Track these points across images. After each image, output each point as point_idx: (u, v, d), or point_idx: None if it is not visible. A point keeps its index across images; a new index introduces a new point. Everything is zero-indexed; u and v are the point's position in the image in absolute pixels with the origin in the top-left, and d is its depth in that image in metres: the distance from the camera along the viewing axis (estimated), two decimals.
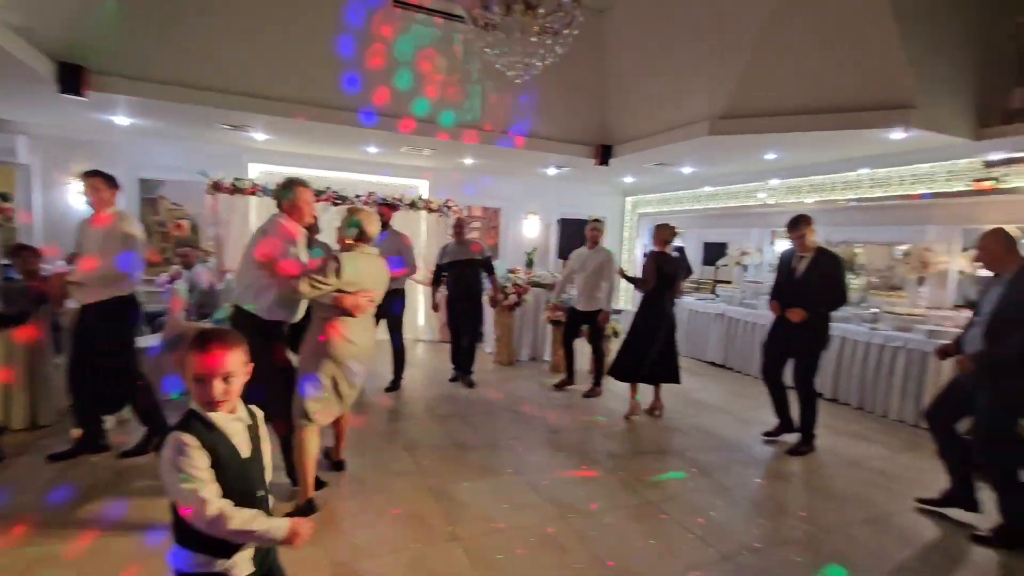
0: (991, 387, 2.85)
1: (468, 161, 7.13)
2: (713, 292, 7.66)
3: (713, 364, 6.95)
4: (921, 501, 3.26)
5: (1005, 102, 4.73)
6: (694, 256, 8.21)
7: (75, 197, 6.22)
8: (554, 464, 3.65)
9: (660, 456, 3.93)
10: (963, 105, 4.62)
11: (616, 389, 5.34)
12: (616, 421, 4.63)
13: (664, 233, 4.71)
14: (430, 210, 7.27)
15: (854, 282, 6.11)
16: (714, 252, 8.05)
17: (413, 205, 7.14)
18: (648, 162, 6.70)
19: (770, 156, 5.91)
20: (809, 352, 4.01)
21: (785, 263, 4.21)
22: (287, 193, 2.83)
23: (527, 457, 3.77)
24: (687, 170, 7.13)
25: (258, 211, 6.46)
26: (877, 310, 5.52)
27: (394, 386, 5.13)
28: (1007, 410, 2.85)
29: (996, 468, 2.88)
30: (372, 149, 6.60)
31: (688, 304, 7.32)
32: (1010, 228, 2.99)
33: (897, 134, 4.55)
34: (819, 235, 6.46)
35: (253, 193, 6.36)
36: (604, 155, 6.53)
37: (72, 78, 4.39)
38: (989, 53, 4.66)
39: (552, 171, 7.64)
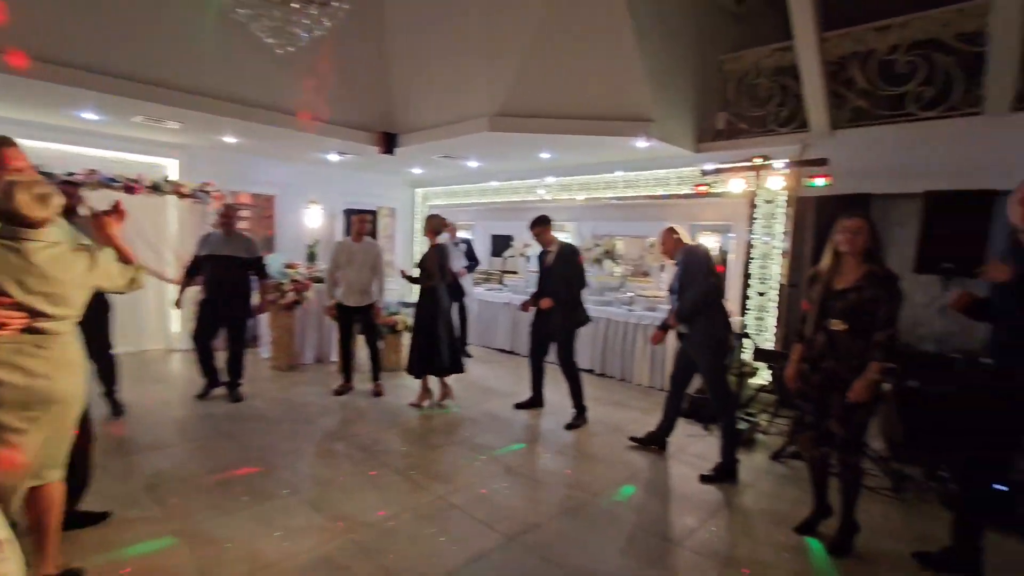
0: (687, 340, 3.69)
1: (229, 139, 6.18)
2: (501, 282, 8.06)
3: (503, 351, 7.31)
4: (632, 439, 4.09)
5: (714, 123, 5.89)
6: (483, 248, 8.53)
7: None
8: (339, 475, 3.36)
9: (451, 447, 3.92)
10: (687, 123, 5.60)
11: (408, 384, 5.21)
12: (405, 419, 4.50)
13: (433, 223, 4.73)
14: (181, 195, 6.12)
15: (615, 270, 7.02)
16: (501, 244, 8.46)
17: (156, 188, 5.91)
18: (434, 154, 6.68)
19: (545, 155, 6.39)
20: (563, 333, 4.50)
21: (540, 259, 4.70)
22: None
23: (307, 472, 3.39)
24: (473, 164, 7.31)
25: None
26: (632, 294, 6.43)
27: (116, 410, 4.11)
28: (715, 359, 3.61)
29: (724, 415, 3.59)
30: (90, 116, 5.22)
31: (478, 295, 7.56)
32: (679, 226, 3.93)
33: (641, 143, 5.29)
34: (587, 228, 7.33)
35: None
36: (389, 143, 6.28)
37: None
38: (704, 82, 5.74)
39: (334, 157, 7.10)
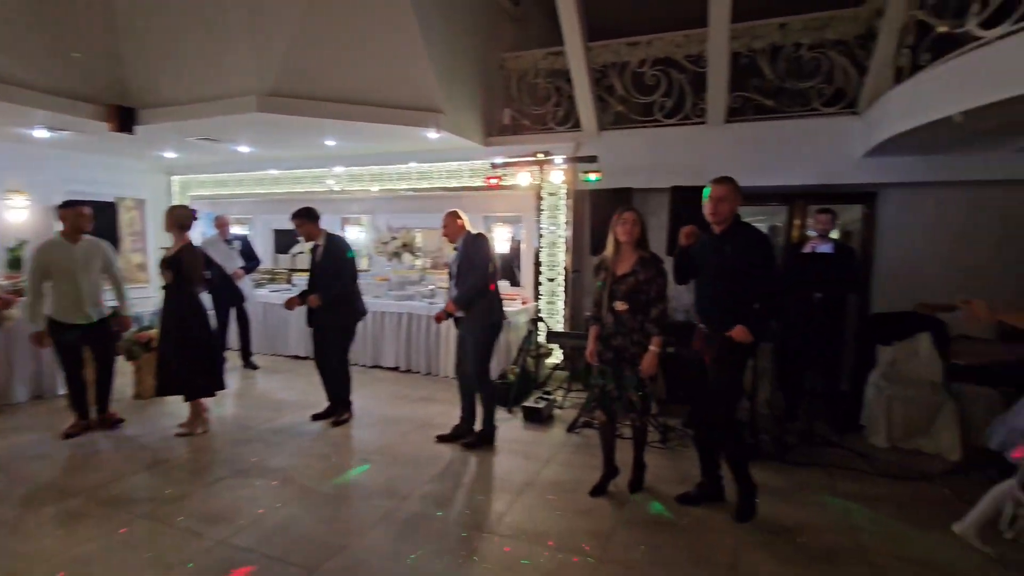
0: (463, 324, 3.87)
1: None
2: (289, 282, 7.26)
3: (296, 357, 6.61)
4: (438, 438, 4.04)
5: (501, 118, 6.13)
6: (264, 245, 7.59)
7: None
8: (71, 546, 2.58)
9: (231, 479, 3.34)
10: (476, 117, 5.72)
11: (175, 411, 4.34)
12: (167, 454, 3.72)
13: (176, 216, 4.00)
14: None
15: (416, 263, 6.86)
16: (285, 240, 7.63)
17: None
18: (190, 135, 5.65)
19: (330, 143, 5.90)
20: (337, 330, 4.30)
21: (311, 254, 4.39)
22: None
23: (19, 548, 2.54)
24: (244, 149, 6.41)
25: None
26: (433, 287, 6.37)
27: None
28: (485, 339, 3.84)
29: (483, 388, 3.91)
30: None
31: (262, 297, 6.70)
32: (464, 213, 4.02)
33: (432, 134, 5.22)
34: (382, 221, 7.03)
35: None
36: (124, 120, 5.08)
37: None
38: (489, 77, 5.91)
39: (43, 133, 5.49)
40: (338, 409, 4.42)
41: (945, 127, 3.24)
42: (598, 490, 3.21)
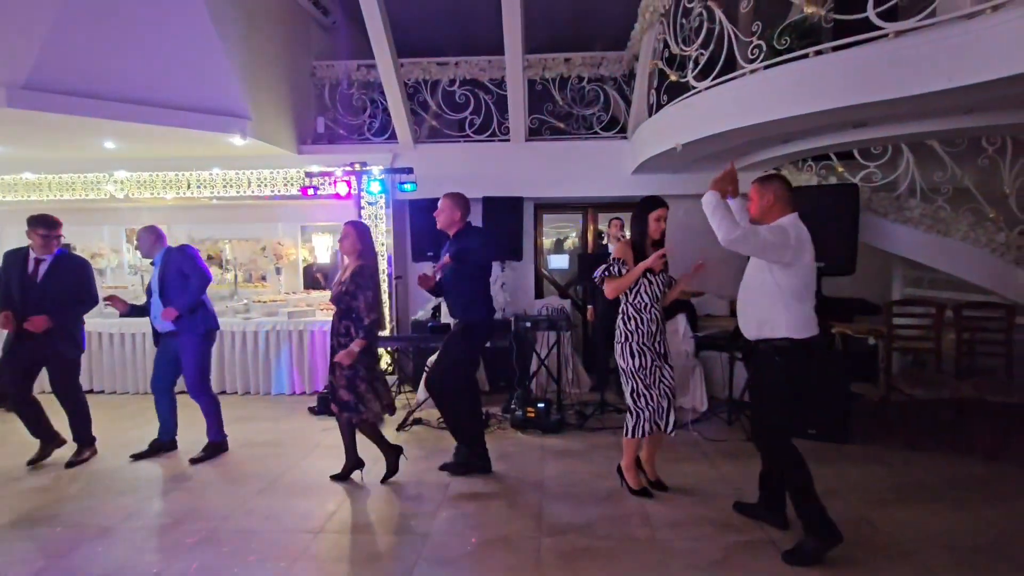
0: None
1: None
2: None
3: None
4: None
5: (314, 126, 6.06)
6: None
7: None
8: None
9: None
10: (286, 124, 5.58)
11: None
12: None
13: None
14: None
15: (226, 276, 6.37)
16: None
17: None
18: None
19: (110, 145, 5.23)
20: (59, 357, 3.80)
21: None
22: None
23: None
24: None
25: None
26: (247, 301, 6.00)
27: None
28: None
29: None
30: None
31: None
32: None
33: (238, 140, 4.97)
34: (182, 231, 6.39)
35: None
36: None
37: None
38: (299, 85, 5.81)
39: None
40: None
41: (673, 154, 4.21)
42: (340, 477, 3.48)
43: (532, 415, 4.35)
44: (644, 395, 3.08)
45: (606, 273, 3.11)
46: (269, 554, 2.64)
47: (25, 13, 3.91)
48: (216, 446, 3.97)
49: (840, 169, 5.07)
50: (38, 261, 3.73)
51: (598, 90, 5.79)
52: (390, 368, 5.34)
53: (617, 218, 5.56)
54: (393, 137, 5.87)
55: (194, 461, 3.82)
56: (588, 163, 5.77)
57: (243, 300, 6.05)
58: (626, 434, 3.12)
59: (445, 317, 5.51)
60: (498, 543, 2.73)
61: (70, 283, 3.79)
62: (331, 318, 3.36)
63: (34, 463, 3.80)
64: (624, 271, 3.08)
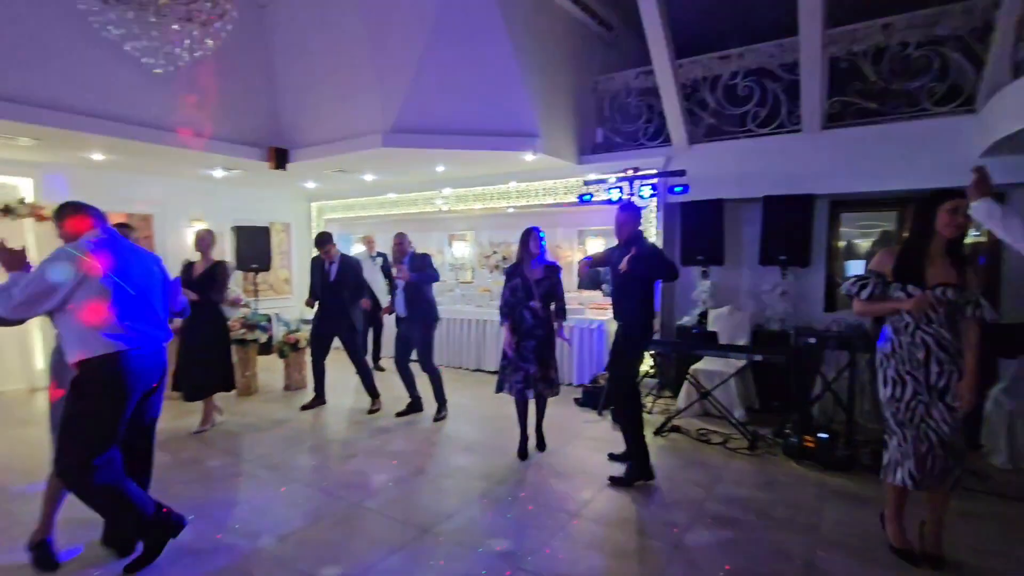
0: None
1: (97, 157, 5.73)
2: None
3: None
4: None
5: (593, 137, 6.48)
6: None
7: None
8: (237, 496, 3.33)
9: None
10: (569, 137, 6.12)
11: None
12: (319, 433, 4.49)
13: (200, 238, 4.50)
14: (40, 217, 5.55)
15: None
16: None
17: (8, 211, 5.33)
18: (328, 169, 6.65)
19: (440, 168, 6.61)
20: (348, 332, 5.11)
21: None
22: None
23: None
24: (369, 177, 7.35)
25: None
26: None
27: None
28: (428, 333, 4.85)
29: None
30: None
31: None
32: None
33: (529, 156, 5.70)
34: (485, 237, 7.63)
35: None
36: (281, 159, 6.17)
37: None
38: (582, 100, 6.30)
39: (219, 173, 6.81)
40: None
41: None
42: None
43: (811, 445, 3.80)
44: (896, 433, 2.49)
45: (853, 290, 2.53)
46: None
47: (391, 77, 5.28)
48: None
49: None
50: (330, 263, 5.12)
51: (931, 56, 4.61)
52: (652, 371, 5.35)
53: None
54: (667, 140, 5.84)
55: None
56: (909, 147, 4.66)
57: None
58: (880, 473, 2.61)
59: (711, 324, 5.25)
60: None
61: (349, 278, 5.14)
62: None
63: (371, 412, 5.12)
64: (878, 291, 2.47)
